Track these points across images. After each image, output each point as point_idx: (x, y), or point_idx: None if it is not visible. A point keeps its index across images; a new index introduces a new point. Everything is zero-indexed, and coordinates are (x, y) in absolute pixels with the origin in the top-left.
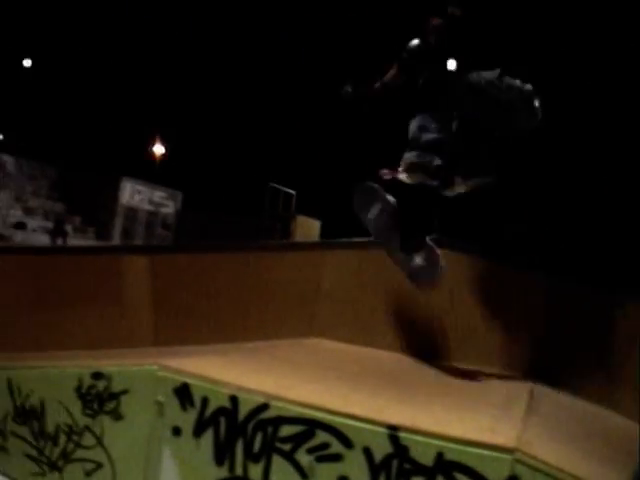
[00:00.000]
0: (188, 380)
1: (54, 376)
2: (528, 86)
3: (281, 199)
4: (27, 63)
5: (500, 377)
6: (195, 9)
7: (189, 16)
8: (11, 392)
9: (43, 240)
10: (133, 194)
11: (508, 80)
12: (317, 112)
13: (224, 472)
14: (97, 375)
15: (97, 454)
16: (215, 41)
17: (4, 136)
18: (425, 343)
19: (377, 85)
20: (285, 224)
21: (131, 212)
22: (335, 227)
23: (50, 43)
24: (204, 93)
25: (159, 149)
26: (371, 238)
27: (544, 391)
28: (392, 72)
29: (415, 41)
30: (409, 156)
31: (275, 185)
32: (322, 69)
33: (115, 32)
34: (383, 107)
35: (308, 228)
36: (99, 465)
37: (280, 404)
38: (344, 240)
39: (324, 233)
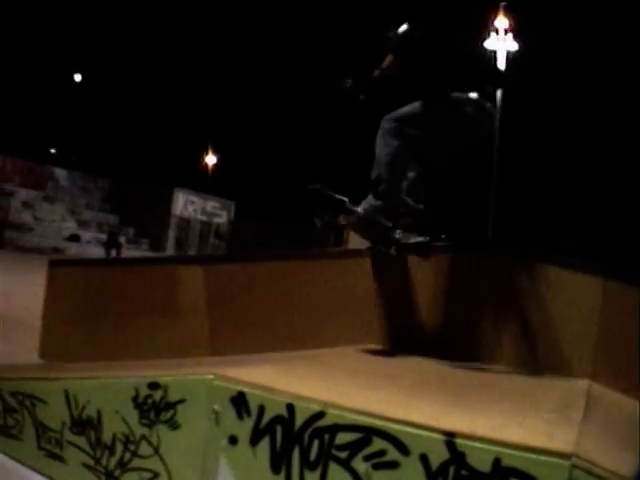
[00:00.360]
0: (244, 389)
1: (111, 386)
2: (473, 94)
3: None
4: (78, 77)
5: (556, 379)
6: (245, 25)
7: (239, 31)
8: (68, 403)
9: (97, 252)
10: (186, 205)
11: (456, 95)
12: (368, 119)
13: None
14: (153, 385)
15: (154, 463)
16: (266, 53)
17: (56, 150)
18: (479, 348)
19: (376, 73)
20: (338, 231)
21: (184, 222)
22: None
23: (101, 56)
24: (256, 103)
25: (211, 159)
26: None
27: (601, 392)
28: (388, 59)
29: (404, 26)
30: (367, 206)
31: (329, 192)
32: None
33: (167, 46)
34: (381, 98)
35: None
36: (156, 474)
37: (336, 412)
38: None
39: None
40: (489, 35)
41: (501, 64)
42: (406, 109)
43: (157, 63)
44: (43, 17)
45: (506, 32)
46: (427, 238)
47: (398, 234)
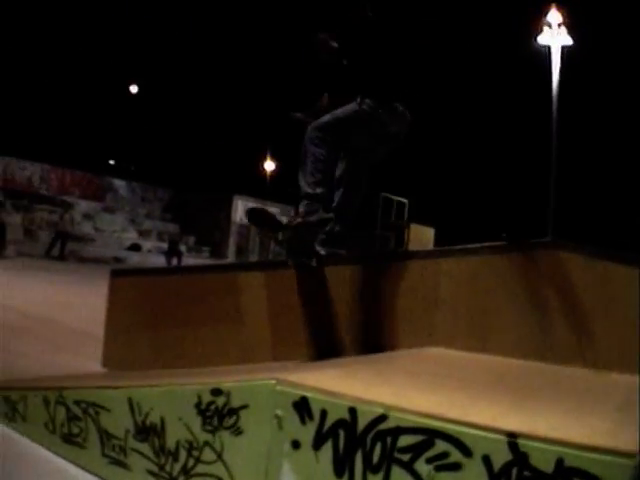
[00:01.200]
0: (307, 393)
1: (174, 393)
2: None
3: (394, 208)
4: (134, 89)
5: (617, 377)
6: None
7: (289, 37)
8: (131, 410)
9: (158, 261)
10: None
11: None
12: (423, 121)
13: None
14: (216, 391)
15: (217, 469)
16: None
17: (115, 161)
18: (543, 347)
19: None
20: (399, 233)
21: (244, 229)
22: (449, 233)
23: (157, 67)
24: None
25: (270, 166)
26: (486, 244)
27: None
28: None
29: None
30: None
31: (387, 194)
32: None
33: (223, 54)
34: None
35: (422, 236)
36: None
37: (399, 414)
38: (460, 247)
39: (438, 240)
40: (542, 30)
41: (555, 59)
42: (329, 116)
43: (213, 72)
44: (99, 29)
45: (559, 26)
46: (343, 251)
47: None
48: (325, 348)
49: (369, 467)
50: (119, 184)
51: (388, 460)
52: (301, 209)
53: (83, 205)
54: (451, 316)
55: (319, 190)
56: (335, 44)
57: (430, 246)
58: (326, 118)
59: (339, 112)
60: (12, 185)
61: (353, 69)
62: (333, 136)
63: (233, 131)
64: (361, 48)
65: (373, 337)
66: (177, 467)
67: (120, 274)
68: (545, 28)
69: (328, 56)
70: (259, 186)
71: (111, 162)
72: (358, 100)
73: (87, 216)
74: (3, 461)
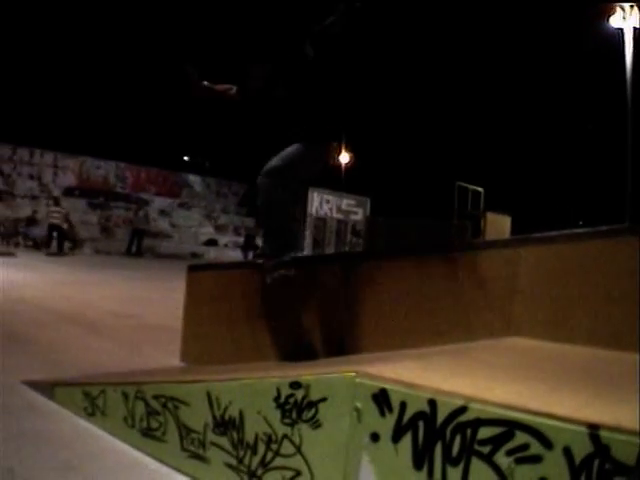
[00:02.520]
0: (386, 386)
1: (253, 387)
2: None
3: (470, 197)
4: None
5: None
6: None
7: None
8: (210, 404)
9: (235, 255)
10: (322, 204)
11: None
12: (498, 108)
13: (423, 477)
14: (295, 384)
15: (296, 462)
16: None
17: (189, 157)
18: (623, 336)
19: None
20: (475, 222)
21: (320, 222)
22: (526, 221)
23: (223, 62)
24: (386, 98)
25: (345, 157)
26: (565, 231)
27: None
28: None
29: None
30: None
31: (462, 183)
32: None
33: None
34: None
35: (499, 224)
36: (298, 473)
37: (479, 406)
38: (538, 235)
39: (515, 229)
40: (614, 12)
41: (628, 41)
42: (281, 162)
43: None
44: (169, 29)
45: (632, 8)
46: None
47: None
48: (403, 339)
49: (448, 460)
50: (194, 180)
51: (468, 452)
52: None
53: (159, 202)
54: (530, 305)
55: (291, 255)
56: (203, 84)
57: (507, 235)
58: (279, 163)
59: (290, 155)
60: (88, 184)
61: (292, 106)
62: (293, 180)
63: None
64: (301, 86)
65: (450, 328)
66: (256, 460)
67: (197, 269)
68: (617, 9)
69: (252, 91)
70: (334, 178)
71: (185, 158)
72: (305, 142)
73: (163, 212)
74: (83, 456)
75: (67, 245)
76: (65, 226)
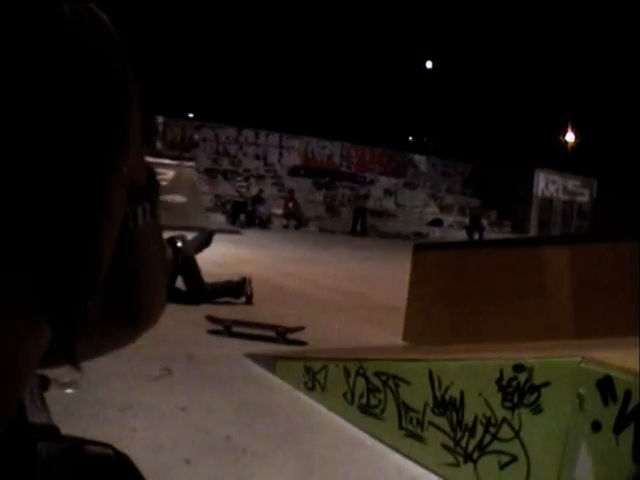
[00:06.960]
0: (612, 373)
1: (475, 368)
2: None
3: None
4: (429, 65)
5: None
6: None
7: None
8: (431, 383)
9: (459, 235)
10: (547, 185)
11: None
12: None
13: None
14: (519, 367)
15: (513, 447)
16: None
17: (414, 137)
18: None
19: None
20: None
21: (546, 203)
22: None
23: (452, 42)
24: (611, 73)
25: (570, 137)
26: None
27: None
28: None
29: None
30: None
31: None
32: None
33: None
34: None
35: None
36: (514, 458)
37: None
38: None
39: None
40: None
41: None
42: None
43: (513, 42)
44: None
45: None
46: None
47: None
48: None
49: None
50: (419, 160)
51: None
52: None
53: (384, 181)
54: None
55: None
56: None
57: None
58: None
59: None
60: (313, 164)
61: None
62: None
63: (533, 102)
64: None
65: None
66: (473, 443)
67: (422, 248)
68: None
69: None
70: (560, 159)
71: (410, 138)
72: None
73: (388, 192)
74: (300, 429)
75: (292, 223)
76: (290, 205)
